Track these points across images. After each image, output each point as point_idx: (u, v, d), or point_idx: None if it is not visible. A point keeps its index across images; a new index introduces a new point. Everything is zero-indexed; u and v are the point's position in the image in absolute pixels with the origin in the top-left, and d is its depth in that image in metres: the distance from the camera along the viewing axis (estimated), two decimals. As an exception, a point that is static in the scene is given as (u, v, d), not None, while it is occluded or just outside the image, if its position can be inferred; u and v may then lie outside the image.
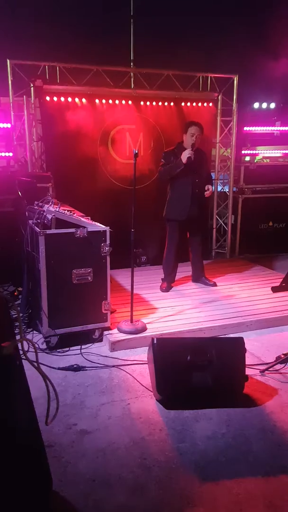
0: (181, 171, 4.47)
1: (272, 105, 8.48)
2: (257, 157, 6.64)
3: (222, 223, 6.54)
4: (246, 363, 2.97)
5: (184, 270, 5.22)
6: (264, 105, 8.43)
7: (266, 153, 6.61)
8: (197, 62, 6.57)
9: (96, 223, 3.75)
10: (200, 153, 4.63)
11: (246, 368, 2.96)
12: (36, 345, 3.63)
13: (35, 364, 1.83)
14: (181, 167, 4.44)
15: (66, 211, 3.68)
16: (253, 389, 3.07)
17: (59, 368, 3.35)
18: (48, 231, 3.48)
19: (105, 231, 3.64)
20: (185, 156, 4.40)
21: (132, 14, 6.49)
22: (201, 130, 4.53)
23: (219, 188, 6.48)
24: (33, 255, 3.72)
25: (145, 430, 2.67)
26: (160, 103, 5.69)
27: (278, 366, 3.37)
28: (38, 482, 1.98)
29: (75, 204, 4.43)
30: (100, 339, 3.79)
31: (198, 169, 4.61)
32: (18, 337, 1.76)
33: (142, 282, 5.06)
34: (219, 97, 6.01)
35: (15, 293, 4.54)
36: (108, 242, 3.64)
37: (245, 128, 6.47)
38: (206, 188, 4.61)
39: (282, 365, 3.38)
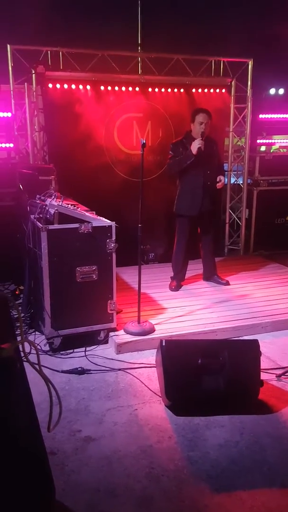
0: (191, 163, 4.44)
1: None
2: (273, 146, 6.58)
3: (236, 218, 6.50)
4: (261, 367, 2.96)
5: (195, 268, 5.20)
6: (281, 91, 8.36)
7: (283, 142, 6.55)
8: (209, 46, 6.52)
9: (101, 218, 3.75)
10: (210, 142, 4.60)
11: (261, 373, 2.94)
12: (38, 347, 3.65)
13: (37, 367, 1.83)
14: (192, 158, 4.41)
15: (69, 205, 3.69)
16: (268, 395, 3.06)
17: (62, 371, 3.37)
18: (51, 227, 3.49)
19: (111, 226, 3.64)
20: (195, 146, 4.37)
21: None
22: (210, 117, 4.48)
23: (233, 180, 6.44)
24: (35, 252, 3.73)
25: (153, 437, 2.67)
26: (169, 90, 5.66)
27: (295, 371, 3.35)
28: (40, 491, 1.99)
29: (78, 197, 4.44)
30: (105, 341, 3.80)
31: (209, 160, 4.57)
32: (19, 338, 1.77)
33: (150, 281, 5.06)
34: (233, 82, 5.96)
35: (16, 292, 4.58)
36: (114, 238, 3.65)
37: (260, 116, 6.41)
38: (217, 180, 4.57)
39: (300, 369, 3.36)
